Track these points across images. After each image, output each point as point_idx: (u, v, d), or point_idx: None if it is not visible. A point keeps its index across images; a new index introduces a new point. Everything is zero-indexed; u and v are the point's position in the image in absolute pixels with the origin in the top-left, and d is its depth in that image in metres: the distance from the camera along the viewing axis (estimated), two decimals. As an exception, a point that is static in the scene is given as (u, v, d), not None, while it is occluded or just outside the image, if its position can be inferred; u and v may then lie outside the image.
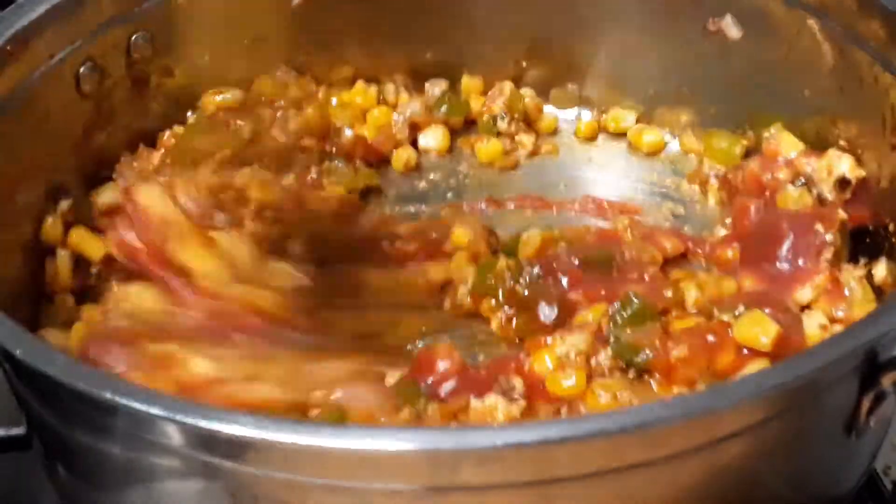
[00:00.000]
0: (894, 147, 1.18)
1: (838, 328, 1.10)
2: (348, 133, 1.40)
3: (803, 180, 1.23)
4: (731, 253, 1.25)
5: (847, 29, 1.21)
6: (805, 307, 1.15)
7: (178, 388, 1.01)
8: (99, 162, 1.30)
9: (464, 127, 1.48)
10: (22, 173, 1.20)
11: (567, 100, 1.48)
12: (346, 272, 1.26)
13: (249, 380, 1.06)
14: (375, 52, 1.47)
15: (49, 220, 1.21)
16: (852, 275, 1.15)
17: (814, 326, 1.09)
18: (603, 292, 1.19)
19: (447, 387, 1.09)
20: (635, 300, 1.11)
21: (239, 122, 1.33)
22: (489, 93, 1.47)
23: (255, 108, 1.35)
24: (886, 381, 0.88)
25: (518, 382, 1.07)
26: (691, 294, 1.16)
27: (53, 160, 1.25)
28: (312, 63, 1.45)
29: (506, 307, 1.19)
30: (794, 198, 1.22)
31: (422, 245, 1.30)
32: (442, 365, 1.10)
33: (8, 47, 1.18)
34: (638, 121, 1.46)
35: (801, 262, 1.17)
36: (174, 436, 0.82)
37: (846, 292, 1.14)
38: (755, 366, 1.03)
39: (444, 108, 1.44)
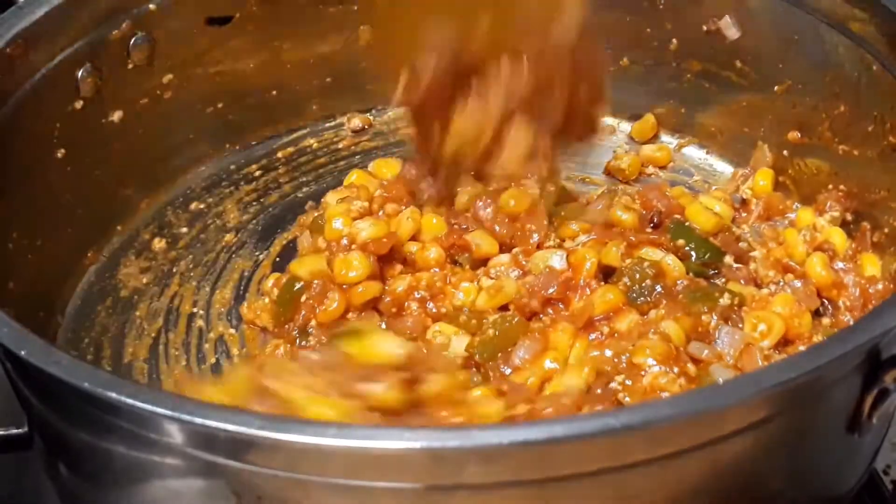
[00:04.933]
0: (894, 148, 1.18)
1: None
2: None
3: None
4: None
5: (847, 29, 1.22)
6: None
7: None
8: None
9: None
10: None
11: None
12: None
13: None
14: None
15: None
16: None
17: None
18: None
19: None
20: None
21: None
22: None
23: None
24: (889, 379, 0.88)
25: None
26: None
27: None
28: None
29: None
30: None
31: None
32: None
33: (8, 49, 1.18)
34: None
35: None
36: (177, 435, 0.82)
37: None
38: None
39: None
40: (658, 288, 1.13)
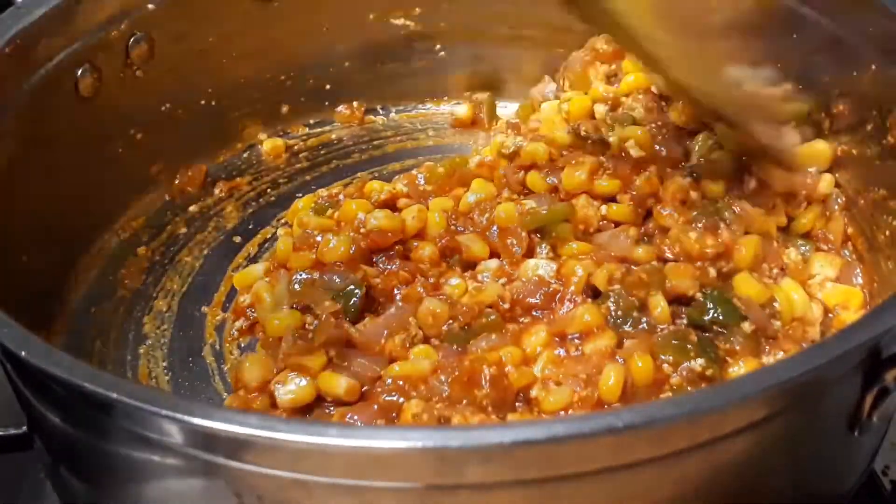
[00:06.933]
0: (893, 146, 1.18)
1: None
2: None
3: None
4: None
5: (847, 29, 1.22)
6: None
7: None
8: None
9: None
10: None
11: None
12: None
13: None
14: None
15: None
16: None
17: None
18: None
19: None
20: None
21: None
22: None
23: None
24: (889, 377, 0.88)
25: None
26: None
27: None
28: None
29: None
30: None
31: None
32: None
33: (6, 50, 1.18)
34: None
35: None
36: (177, 435, 0.82)
37: None
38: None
39: None
40: (644, 321, 1.09)
